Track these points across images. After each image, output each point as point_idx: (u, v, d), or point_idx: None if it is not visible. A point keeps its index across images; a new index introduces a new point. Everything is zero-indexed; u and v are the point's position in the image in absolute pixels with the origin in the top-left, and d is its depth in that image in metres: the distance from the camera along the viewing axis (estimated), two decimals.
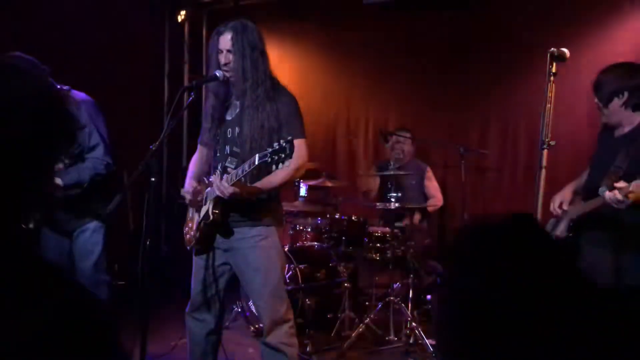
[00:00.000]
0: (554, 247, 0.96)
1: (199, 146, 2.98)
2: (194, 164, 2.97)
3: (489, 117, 5.32)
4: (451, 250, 1.03)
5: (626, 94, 2.57)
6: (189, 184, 2.84)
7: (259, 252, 2.71)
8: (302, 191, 4.90)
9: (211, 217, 2.66)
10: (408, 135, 4.94)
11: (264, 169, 2.53)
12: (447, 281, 1.05)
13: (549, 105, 2.11)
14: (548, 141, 2.07)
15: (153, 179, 2.51)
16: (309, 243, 4.66)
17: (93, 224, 3.32)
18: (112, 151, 3.32)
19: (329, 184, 4.79)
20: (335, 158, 6.00)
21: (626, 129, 2.63)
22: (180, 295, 5.51)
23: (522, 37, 5.08)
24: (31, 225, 0.97)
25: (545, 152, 2.07)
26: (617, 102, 2.58)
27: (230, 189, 2.54)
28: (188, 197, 2.79)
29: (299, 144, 2.66)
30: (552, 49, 2.11)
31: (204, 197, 2.74)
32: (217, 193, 2.59)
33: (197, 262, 2.85)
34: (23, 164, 0.92)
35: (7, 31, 4.65)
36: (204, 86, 2.98)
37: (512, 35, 5.16)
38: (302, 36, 6.05)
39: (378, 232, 4.49)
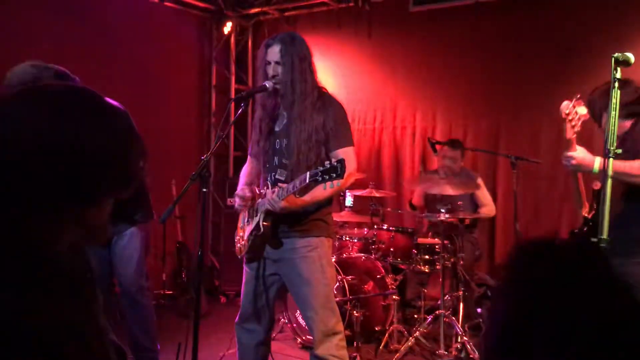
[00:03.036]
0: (615, 279, 0.92)
1: (249, 157, 2.99)
2: (244, 175, 2.98)
3: (540, 125, 5.17)
4: (506, 268, 0.99)
5: None
6: (241, 188, 2.85)
7: (308, 263, 2.69)
8: (348, 201, 4.85)
9: (262, 229, 2.68)
10: (458, 152, 4.78)
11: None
12: (497, 298, 1.01)
13: (614, 112, 2.01)
14: (614, 149, 1.98)
15: (205, 190, 2.52)
16: (356, 254, 4.61)
17: (130, 230, 3.30)
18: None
19: (375, 194, 4.73)
20: (381, 167, 5.93)
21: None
22: (227, 305, 5.58)
23: (575, 43, 4.94)
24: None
25: (611, 160, 1.97)
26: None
27: (281, 204, 2.57)
28: (239, 201, 2.80)
29: (348, 152, 2.65)
30: (617, 53, 2.01)
31: (256, 208, 2.75)
32: (268, 206, 2.60)
33: (248, 272, 2.85)
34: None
35: (58, 38, 4.79)
36: (251, 98, 2.99)
37: (564, 41, 5.02)
38: (347, 45, 6.04)
39: (427, 244, 4.41)
